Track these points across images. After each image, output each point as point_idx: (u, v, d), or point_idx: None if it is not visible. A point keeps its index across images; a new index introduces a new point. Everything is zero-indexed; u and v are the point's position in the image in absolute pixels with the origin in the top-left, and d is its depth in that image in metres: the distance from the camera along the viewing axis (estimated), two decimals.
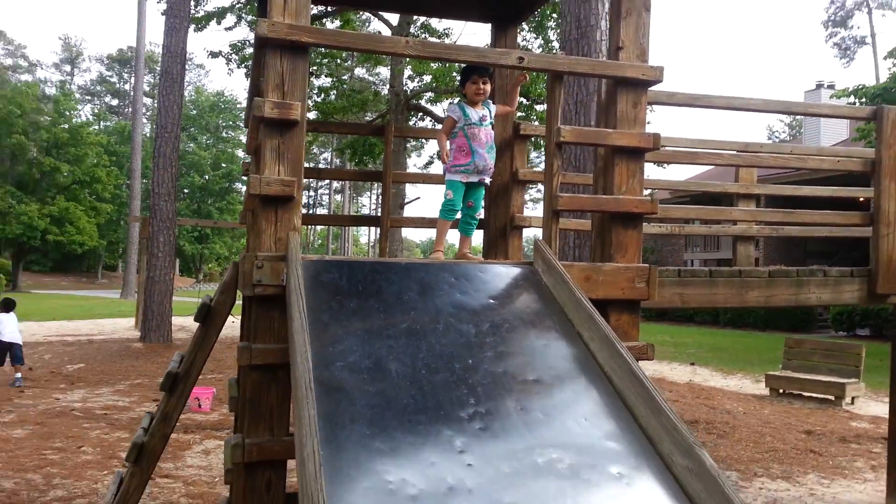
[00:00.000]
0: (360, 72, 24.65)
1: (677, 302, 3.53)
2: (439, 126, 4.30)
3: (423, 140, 22.24)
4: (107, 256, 47.18)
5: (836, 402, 9.80)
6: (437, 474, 1.85)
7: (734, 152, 4.16)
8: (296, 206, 2.61)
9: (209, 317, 3.29)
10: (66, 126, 38.21)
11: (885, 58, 23.05)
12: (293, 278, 2.30)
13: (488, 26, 4.57)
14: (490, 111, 3.78)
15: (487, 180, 3.78)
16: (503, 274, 2.81)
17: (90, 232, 39.03)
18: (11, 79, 50.17)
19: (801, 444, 7.39)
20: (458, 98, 3.94)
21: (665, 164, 18.61)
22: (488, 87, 3.71)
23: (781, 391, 10.75)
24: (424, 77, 15.83)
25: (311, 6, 2.92)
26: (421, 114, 16.86)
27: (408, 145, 20.04)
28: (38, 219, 35.37)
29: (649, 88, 3.11)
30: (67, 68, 61.86)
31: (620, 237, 3.12)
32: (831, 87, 25.71)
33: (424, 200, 63.70)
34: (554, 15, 15.07)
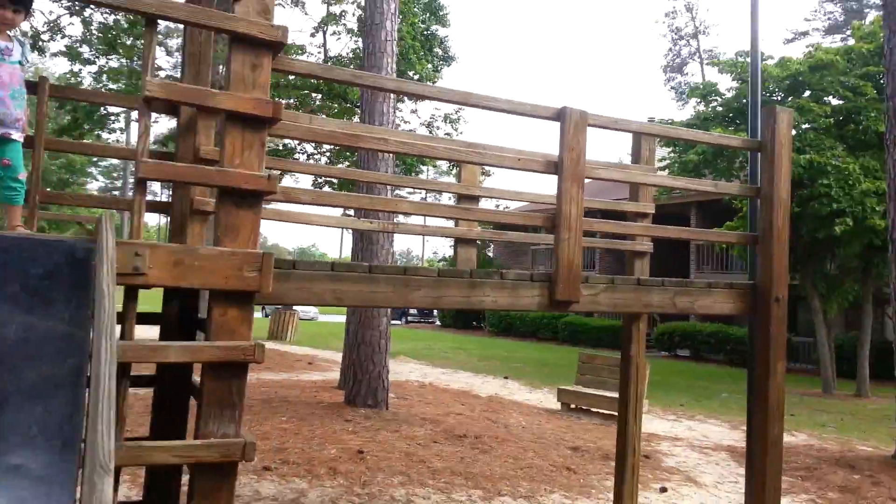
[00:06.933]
0: None
1: (329, 298, 3.14)
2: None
3: None
4: None
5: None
6: None
7: (440, 146, 3.92)
8: None
9: None
10: None
11: (686, 95, 24.96)
12: None
13: None
14: (22, 47, 3.00)
15: (17, 136, 2.97)
16: (31, 248, 2.26)
17: None
18: None
19: (561, 461, 7.33)
20: None
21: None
22: (19, 18, 2.97)
23: (573, 406, 10.95)
24: None
25: None
26: None
27: None
28: None
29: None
30: None
31: (231, 218, 2.68)
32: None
33: None
34: None
